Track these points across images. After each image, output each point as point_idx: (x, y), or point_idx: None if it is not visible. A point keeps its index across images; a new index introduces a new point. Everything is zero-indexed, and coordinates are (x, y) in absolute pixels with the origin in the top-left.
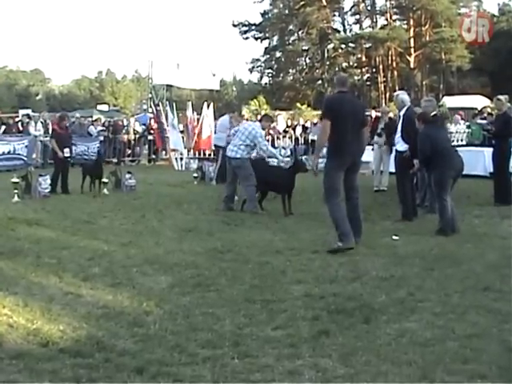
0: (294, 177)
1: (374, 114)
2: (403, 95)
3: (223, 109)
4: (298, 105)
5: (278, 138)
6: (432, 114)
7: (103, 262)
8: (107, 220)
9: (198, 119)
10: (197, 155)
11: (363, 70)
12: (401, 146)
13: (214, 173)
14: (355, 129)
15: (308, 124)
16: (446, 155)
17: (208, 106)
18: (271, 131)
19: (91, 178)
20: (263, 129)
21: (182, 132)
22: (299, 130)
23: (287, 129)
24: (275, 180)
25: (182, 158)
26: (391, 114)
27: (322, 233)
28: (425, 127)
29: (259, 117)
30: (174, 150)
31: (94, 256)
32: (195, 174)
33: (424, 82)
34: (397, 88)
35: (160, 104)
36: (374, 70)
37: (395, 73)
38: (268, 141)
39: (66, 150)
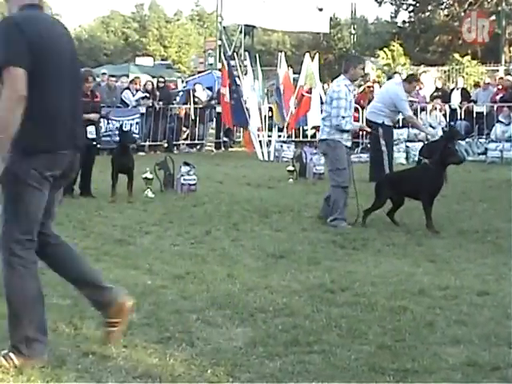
0: (441, 173)
1: None
2: None
3: (336, 63)
4: (457, 56)
5: (422, 109)
6: None
7: (145, 305)
8: (151, 238)
9: (296, 80)
10: (293, 138)
11: None
12: None
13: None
14: (73, 89)
15: (473, 89)
16: None
17: (312, 59)
18: (414, 97)
19: (118, 170)
20: (408, 92)
21: (269, 101)
22: (457, 96)
23: (437, 94)
24: (411, 182)
25: (269, 142)
26: None
27: (494, 262)
28: None
29: (397, 76)
30: (257, 130)
31: (130, 295)
32: (291, 168)
33: None
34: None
35: (235, 56)
36: None
37: None
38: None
39: (90, 128)
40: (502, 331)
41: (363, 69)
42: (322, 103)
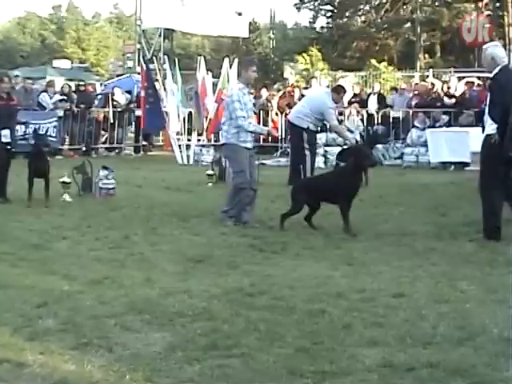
0: (357, 177)
1: None
2: (494, 48)
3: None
4: (374, 62)
5: (340, 113)
6: None
7: (61, 311)
8: (69, 243)
9: (215, 84)
10: (212, 141)
11: (480, 4)
12: (488, 126)
13: None
14: None
15: (391, 93)
16: None
17: (231, 65)
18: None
19: (34, 174)
20: (335, 102)
21: (188, 105)
22: (374, 101)
23: (355, 99)
24: (327, 186)
25: (188, 146)
26: None
27: (410, 265)
28: None
29: (314, 81)
30: (176, 134)
31: (46, 300)
32: (210, 172)
33: None
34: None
35: (154, 60)
36: (497, 4)
37: None
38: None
39: (5, 132)
40: (417, 332)
41: (254, 71)
42: None
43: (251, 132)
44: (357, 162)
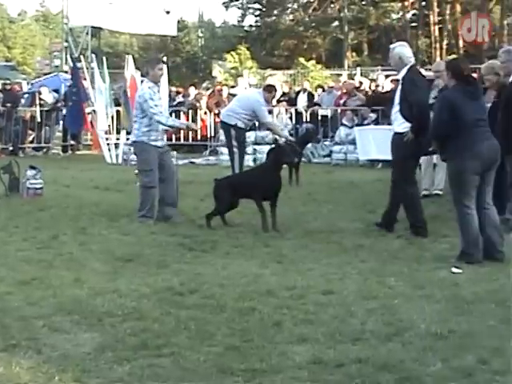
0: (276, 174)
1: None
2: (402, 48)
3: (183, 65)
4: (302, 60)
5: (269, 111)
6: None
7: None
8: None
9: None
10: None
11: (406, 3)
12: (399, 124)
13: None
14: None
15: (319, 91)
16: (470, 136)
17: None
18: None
19: None
20: (266, 101)
21: (118, 103)
22: (303, 99)
23: (284, 98)
24: (248, 183)
25: (117, 145)
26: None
27: (339, 262)
28: (453, 87)
29: (240, 80)
30: (104, 133)
31: None
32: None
33: (506, 23)
34: (460, 32)
35: (82, 58)
36: (423, 3)
37: (457, 8)
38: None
39: None
40: (346, 329)
41: (161, 69)
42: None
43: (170, 126)
44: (276, 158)
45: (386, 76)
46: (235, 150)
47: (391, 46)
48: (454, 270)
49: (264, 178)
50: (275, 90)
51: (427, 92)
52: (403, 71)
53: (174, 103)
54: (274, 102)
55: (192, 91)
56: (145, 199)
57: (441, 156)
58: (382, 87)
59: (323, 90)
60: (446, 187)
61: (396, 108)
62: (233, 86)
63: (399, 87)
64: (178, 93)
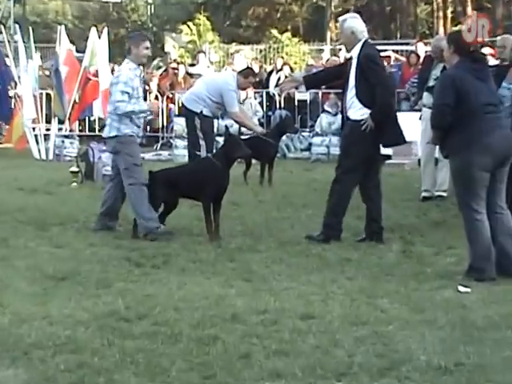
0: (226, 170)
1: (421, 48)
2: (354, 21)
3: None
4: (275, 32)
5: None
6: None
7: None
8: None
9: (80, 60)
10: (77, 131)
11: None
12: (356, 111)
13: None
14: None
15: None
16: (479, 124)
17: (100, 35)
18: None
19: None
20: (242, 89)
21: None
22: (275, 81)
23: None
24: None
25: (47, 137)
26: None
27: (321, 279)
28: (456, 64)
29: (201, 57)
30: (32, 123)
31: None
32: (74, 168)
33: None
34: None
35: (2, 29)
36: None
37: None
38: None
39: None
40: (330, 361)
41: (147, 48)
42: None
43: (130, 112)
44: (226, 152)
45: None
46: (201, 142)
47: (340, 18)
48: (461, 288)
49: (212, 175)
50: (253, 76)
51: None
52: (357, 48)
53: None
54: None
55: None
56: (139, 202)
57: (442, 151)
58: None
59: (301, 70)
60: (450, 188)
61: (352, 92)
62: (192, 65)
63: (353, 67)
64: None
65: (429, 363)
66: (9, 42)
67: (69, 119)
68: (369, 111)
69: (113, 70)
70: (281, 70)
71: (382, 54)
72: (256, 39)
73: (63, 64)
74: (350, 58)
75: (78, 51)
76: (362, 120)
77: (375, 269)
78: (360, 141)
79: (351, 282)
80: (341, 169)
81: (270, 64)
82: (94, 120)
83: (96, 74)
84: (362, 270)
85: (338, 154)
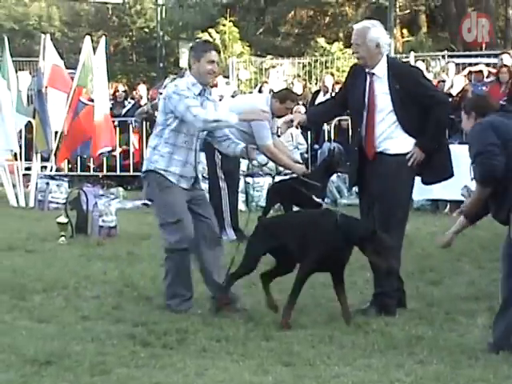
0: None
1: (508, 60)
2: (378, 31)
3: (133, 50)
4: (322, 42)
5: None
6: None
7: None
8: None
9: (72, 79)
10: (66, 170)
11: None
12: (398, 142)
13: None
14: None
15: None
16: None
17: (95, 46)
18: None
19: None
20: (278, 117)
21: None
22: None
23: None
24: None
25: (28, 177)
26: None
27: (384, 363)
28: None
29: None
30: (8, 160)
31: None
32: (62, 219)
33: None
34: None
35: None
36: None
37: None
38: None
39: None
40: None
41: (212, 61)
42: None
43: (216, 122)
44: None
45: (457, 66)
46: (221, 184)
47: (357, 26)
48: None
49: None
50: (293, 100)
51: None
52: (382, 65)
53: (123, 111)
54: None
55: (143, 91)
56: (171, 269)
57: (496, 213)
58: (451, 84)
59: None
60: None
61: (388, 119)
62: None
63: (379, 88)
64: (126, 94)
65: None
66: None
67: (55, 155)
68: (413, 141)
69: (116, 93)
70: (330, 90)
71: (472, 68)
72: (298, 51)
73: (48, 84)
74: (362, 78)
75: (67, 67)
76: (409, 153)
77: (455, 350)
78: (407, 180)
79: (423, 368)
80: (390, 224)
81: (317, 82)
82: (86, 157)
83: (91, 98)
84: (438, 352)
85: (379, 206)
